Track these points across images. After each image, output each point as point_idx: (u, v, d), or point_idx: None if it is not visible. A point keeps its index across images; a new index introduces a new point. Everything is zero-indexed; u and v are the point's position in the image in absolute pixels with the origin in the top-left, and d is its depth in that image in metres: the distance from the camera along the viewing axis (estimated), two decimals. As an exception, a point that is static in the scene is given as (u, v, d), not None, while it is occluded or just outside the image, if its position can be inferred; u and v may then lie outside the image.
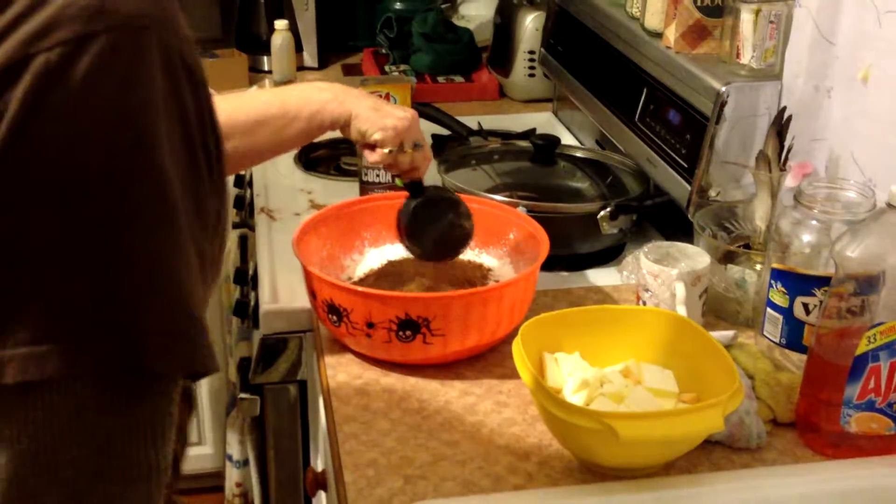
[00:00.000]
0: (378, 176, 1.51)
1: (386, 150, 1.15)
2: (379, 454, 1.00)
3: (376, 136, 1.14)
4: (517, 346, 0.98)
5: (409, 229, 1.19)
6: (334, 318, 1.12)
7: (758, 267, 1.22)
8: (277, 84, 2.07)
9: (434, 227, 1.20)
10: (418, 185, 1.20)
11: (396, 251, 1.30)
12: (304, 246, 1.19)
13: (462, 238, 1.22)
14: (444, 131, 1.77)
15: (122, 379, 0.53)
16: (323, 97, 1.14)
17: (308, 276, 1.14)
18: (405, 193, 1.23)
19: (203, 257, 0.57)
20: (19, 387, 0.51)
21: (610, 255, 1.44)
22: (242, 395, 1.40)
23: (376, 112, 1.15)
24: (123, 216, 0.51)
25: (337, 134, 1.74)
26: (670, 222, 1.46)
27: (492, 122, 1.93)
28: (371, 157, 1.16)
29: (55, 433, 0.52)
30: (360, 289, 1.12)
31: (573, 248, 1.41)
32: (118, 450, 0.54)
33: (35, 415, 0.52)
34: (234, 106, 1.11)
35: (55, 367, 0.51)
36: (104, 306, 0.51)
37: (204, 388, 2.27)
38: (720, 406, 0.89)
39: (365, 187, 1.53)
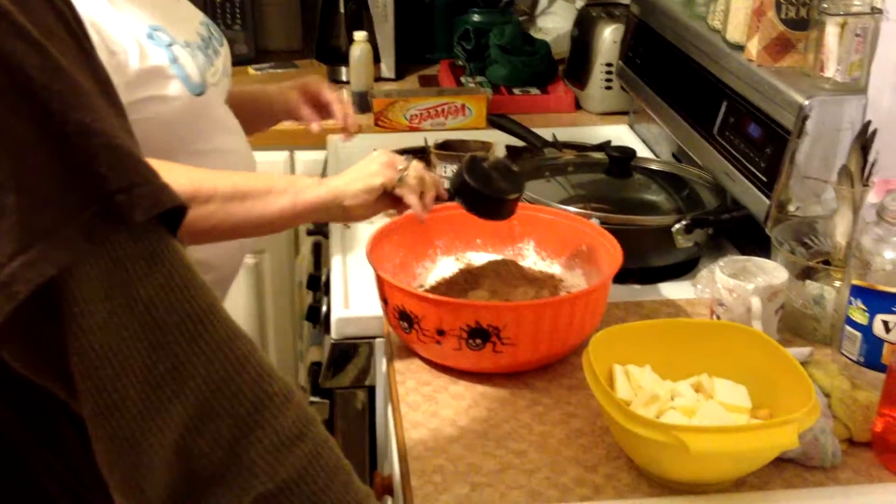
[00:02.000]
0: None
1: (397, 179, 1.15)
2: (446, 460, 1.00)
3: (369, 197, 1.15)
4: (587, 357, 0.98)
5: (464, 182, 1.17)
6: (405, 324, 1.12)
7: (837, 284, 1.19)
8: (355, 94, 2.10)
9: (487, 180, 1.19)
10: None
11: (469, 259, 1.31)
12: (377, 253, 1.20)
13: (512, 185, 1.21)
14: (519, 143, 1.77)
15: (118, 246, 0.54)
16: (308, 182, 1.15)
17: (380, 283, 1.16)
18: None
19: (127, 131, 0.58)
20: (39, 298, 0.53)
21: (684, 269, 1.42)
22: (312, 399, 1.41)
23: (360, 180, 1.14)
24: (48, 102, 0.52)
25: (410, 143, 1.79)
26: (747, 237, 1.44)
27: (567, 134, 1.92)
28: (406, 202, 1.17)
29: (106, 326, 0.54)
30: (431, 296, 1.12)
31: (646, 261, 1.39)
32: (165, 308, 0.56)
33: (74, 314, 0.54)
34: (221, 176, 1.13)
35: (52, 262, 0.53)
36: (64, 190, 0.53)
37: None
38: (795, 423, 0.88)
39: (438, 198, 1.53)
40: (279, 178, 1.21)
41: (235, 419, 0.57)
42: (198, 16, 1.33)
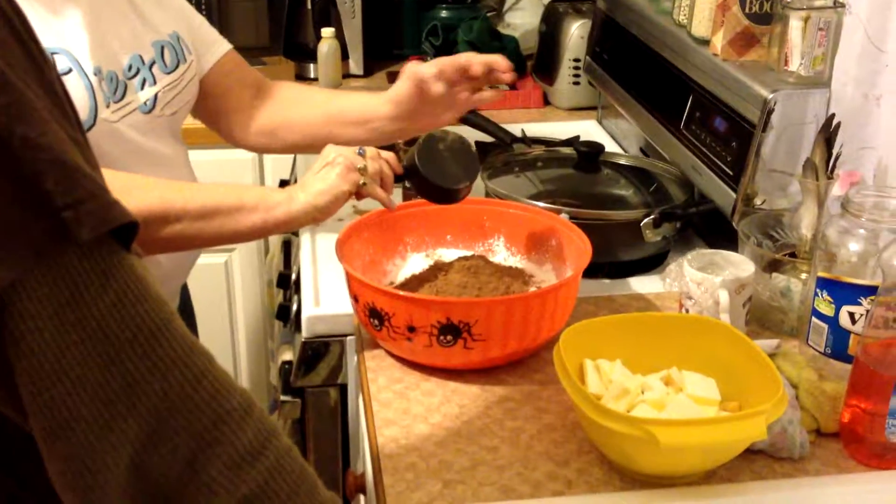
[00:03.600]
0: None
1: (361, 182, 1.16)
2: (418, 458, 1.00)
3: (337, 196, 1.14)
4: (558, 352, 0.98)
5: (415, 167, 1.18)
6: (376, 322, 1.12)
7: (803, 276, 1.20)
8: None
9: (438, 161, 1.20)
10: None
11: (439, 256, 1.31)
12: (347, 250, 1.20)
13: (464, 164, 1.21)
14: (488, 138, 1.78)
15: (67, 262, 0.54)
16: (277, 197, 1.14)
17: (350, 280, 1.15)
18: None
19: (78, 143, 0.57)
20: None
21: (653, 263, 1.43)
22: (284, 398, 1.41)
23: (326, 193, 1.13)
24: None
25: None
26: (714, 230, 1.45)
27: (536, 129, 1.93)
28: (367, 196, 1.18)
29: (56, 343, 0.54)
30: (401, 293, 1.12)
31: (616, 256, 1.40)
32: (117, 324, 0.55)
33: (21, 332, 0.53)
34: (191, 192, 1.12)
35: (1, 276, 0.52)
36: (10, 205, 0.52)
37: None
38: (763, 414, 0.88)
39: (408, 192, 1.54)
40: (249, 192, 1.17)
41: (193, 435, 0.57)
42: (147, 35, 1.23)
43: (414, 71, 1.36)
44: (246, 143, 1.46)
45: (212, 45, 1.38)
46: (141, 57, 1.21)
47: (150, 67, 1.22)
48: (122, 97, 1.17)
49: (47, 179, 0.53)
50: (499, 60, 1.38)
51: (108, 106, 1.15)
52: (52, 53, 1.09)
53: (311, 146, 1.39)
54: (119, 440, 0.55)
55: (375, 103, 1.40)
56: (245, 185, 1.21)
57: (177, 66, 1.26)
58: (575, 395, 0.94)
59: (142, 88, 1.20)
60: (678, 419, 0.93)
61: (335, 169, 1.15)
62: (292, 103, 1.44)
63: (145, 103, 1.20)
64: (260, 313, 2.19)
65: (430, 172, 1.18)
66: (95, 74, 1.13)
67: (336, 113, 1.42)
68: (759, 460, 0.98)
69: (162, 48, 1.24)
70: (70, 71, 1.10)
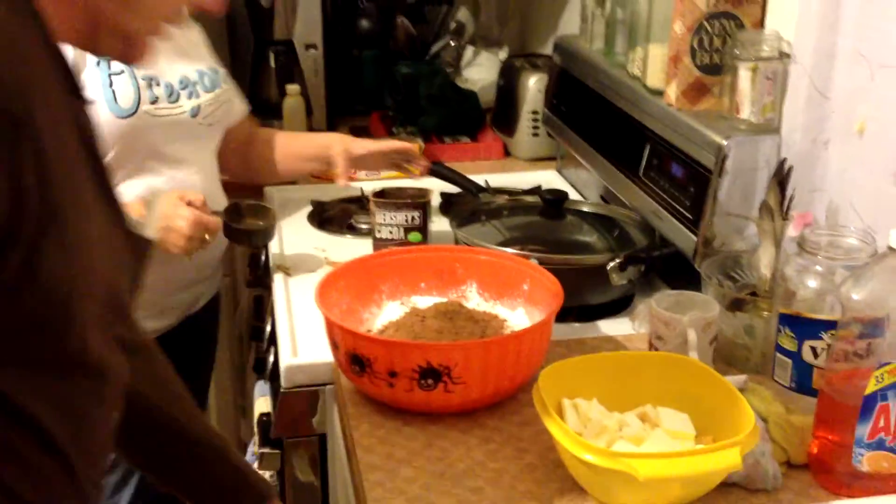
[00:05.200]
0: (391, 233, 1.57)
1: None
2: (405, 501, 1.02)
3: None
4: (537, 391, 1.02)
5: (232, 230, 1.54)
6: (357, 368, 1.15)
7: (764, 314, 1.25)
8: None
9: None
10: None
11: (414, 303, 1.34)
12: (325, 299, 1.23)
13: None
14: (454, 189, 1.82)
15: None
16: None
17: (331, 328, 1.18)
18: (419, 247, 1.43)
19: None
20: None
21: (619, 307, 1.48)
22: (263, 450, 1.42)
23: (165, 230, 1.42)
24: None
25: (347, 193, 1.85)
26: (675, 273, 1.50)
27: (498, 180, 1.98)
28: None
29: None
30: (382, 338, 1.15)
31: (584, 300, 1.44)
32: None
33: None
34: None
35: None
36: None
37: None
38: (739, 445, 0.93)
39: (378, 243, 1.58)
40: None
41: None
42: (190, 64, 1.59)
43: (344, 150, 1.71)
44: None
45: (239, 105, 1.75)
46: (187, 77, 1.57)
47: (195, 85, 1.58)
48: (175, 101, 1.53)
49: None
50: (414, 149, 1.79)
51: (152, 103, 1.50)
52: (109, 60, 1.38)
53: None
54: None
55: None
56: None
57: (215, 89, 1.62)
58: (556, 431, 0.97)
59: (188, 98, 1.56)
60: (657, 452, 0.97)
61: (175, 233, 1.41)
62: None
63: (191, 109, 1.56)
64: (229, 369, 2.20)
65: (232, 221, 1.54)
66: (143, 80, 1.49)
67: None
68: (734, 492, 1.02)
69: (202, 75, 1.60)
70: (122, 72, 1.47)
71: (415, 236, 1.58)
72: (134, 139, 1.48)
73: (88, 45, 0.70)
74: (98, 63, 1.45)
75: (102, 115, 1.44)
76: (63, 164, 0.63)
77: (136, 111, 1.48)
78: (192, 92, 1.58)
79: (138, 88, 1.48)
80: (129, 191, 1.47)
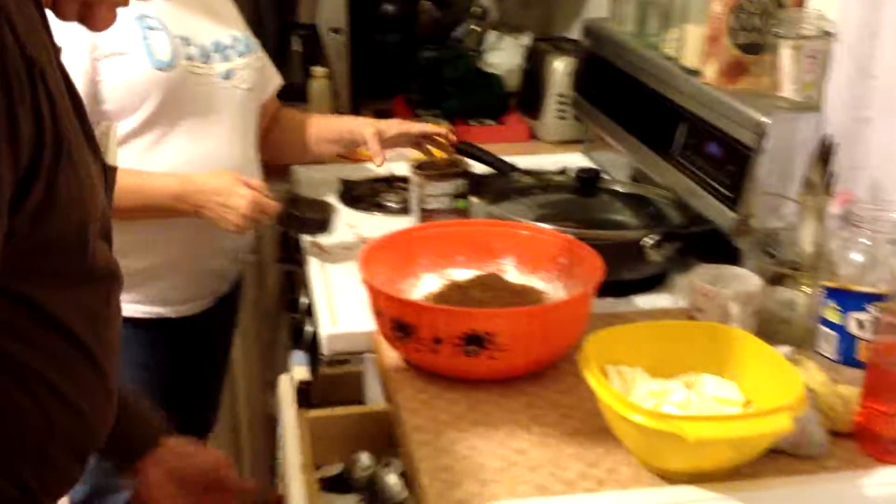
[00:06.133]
0: (441, 202, 1.60)
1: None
2: (452, 461, 1.03)
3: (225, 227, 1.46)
4: (584, 354, 1.02)
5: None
6: (401, 334, 1.15)
7: (805, 289, 1.25)
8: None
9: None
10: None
11: (451, 276, 1.35)
12: (368, 269, 1.23)
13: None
14: (483, 169, 1.83)
15: None
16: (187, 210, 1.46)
17: (376, 295, 1.18)
18: (457, 221, 1.47)
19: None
20: None
21: (653, 283, 1.48)
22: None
23: (222, 206, 1.44)
24: None
25: (374, 173, 1.86)
26: (710, 251, 1.50)
27: (524, 162, 1.98)
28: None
29: None
30: (429, 304, 1.16)
31: (619, 276, 1.44)
32: None
33: None
34: (127, 183, 1.29)
35: None
36: None
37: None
38: (789, 410, 0.93)
39: (426, 215, 1.59)
40: (177, 202, 1.46)
41: None
42: (224, 29, 1.58)
43: (377, 131, 1.70)
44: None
45: (273, 76, 1.75)
46: (220, 41, 1.55)
47: (227, 49, 1.56)
48: (207, 62, 1.52)
49: None
50: (443, 131, 1.76)
51: (188, 59, 1.49)
52: (145, 17, 1.45)
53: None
54: None
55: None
56: (170, 190, 1.46)
57: (247, 55, 1.60)
58: (603, 393, 0.97)
59: (222, 61, 1.54)
60: (706, 415, 0.98)
61: (233, 211, 1.43)
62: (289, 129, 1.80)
63: (225, 72, 1.54)
64: (257, 346, 2.20)
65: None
66: (178, 38, 1.48)
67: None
68: (781, 459, 1.02)
69: (236, 40, 1.59)
70: (160, 29, 1.46)
71: (462, 203, 1.61)
72: (172, 93, 1.47)
73: (49, 4, 0.73)
74: (137, 18, 1.44)
75: (142, 66, 1.43)
76: (63, 100, 0.69)
77: (174, 65, 1.47)
78: (225, 56, 1.56)
79: (174, 46, 1.48)
80: (165, 151, 1.47)
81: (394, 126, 1.74)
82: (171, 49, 1.46)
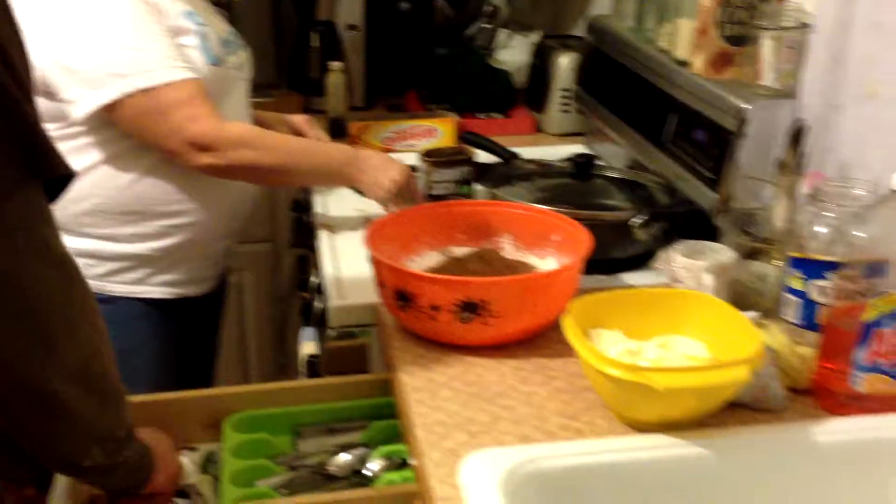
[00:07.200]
0: (446, 188, 1.74)
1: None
2: (445, 416, 1.13)
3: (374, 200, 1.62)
4: (567, 316, 1.12)
5: None
6: (402, 303, 1.26)
7: (776, 262, 1.35)
8: (332, 119, 2.24)
9: None
10: None
11: (452, 252, 1.45)
12: (373, 244, 1.34)
13: None
14: (486, 160, 1.93)
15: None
16: (358, 177, 1.60)
17: (380, 267, 1.29)
18: (458, 202, 1.56)
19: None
20: None
21: (641, 261, 1.58)
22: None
23: (379, 187, 1.60)
24: None
25: None
26: (694, 232, 1.60)
27: (529, 153, 2.08)
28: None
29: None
30: (427, 274, 1.26)
31: (608, 254, 1.54)
32: None
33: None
34: (304, 146, 1.62)
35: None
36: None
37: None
38: (748, 363, 1.03)
39: (433, 200, 1.70)
40: (345, 166, 1.60)
41: None
42: (225, 27, 1.66)
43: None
44: None
45: None
46: (227, 37, 1.63)
47: (231, 44, 1.64)
48: (229, 53, 1.60)
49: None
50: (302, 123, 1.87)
51: (228, 56, 1.58)
52: (192, 13, 1.52)
53: None
54: None
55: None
56: (343, 154, 1.62)
57: (242, 47, 1.69)
58: (583, 350, 1.08)
59: (233, 55, 1.62)
60: (673, 366, 1.07)
61: (388, 186, 1.58)
62: None
63: (238, 65, 1.64)
64: (269, 330, 2.31)
65: None
66: (214, 33, 1.57)
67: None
68: (743, 412, 1.12)
69: (232, 34, 1.67)
70: (205, 25, 1.54)
71: (465, 189, 1.74)
72: (220, 87, 1.55)
73: None
74: (187, 14, 1.51)
75: (199, 60, 1.50)
76: None
77: (222, 60, 1.55)
78: (233, 49, 1.64)
79: (220, 41, 1.56)
80: None
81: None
82: (219, 45, 1.55)
